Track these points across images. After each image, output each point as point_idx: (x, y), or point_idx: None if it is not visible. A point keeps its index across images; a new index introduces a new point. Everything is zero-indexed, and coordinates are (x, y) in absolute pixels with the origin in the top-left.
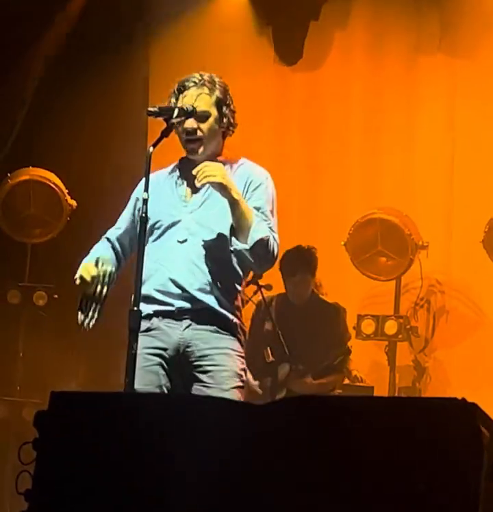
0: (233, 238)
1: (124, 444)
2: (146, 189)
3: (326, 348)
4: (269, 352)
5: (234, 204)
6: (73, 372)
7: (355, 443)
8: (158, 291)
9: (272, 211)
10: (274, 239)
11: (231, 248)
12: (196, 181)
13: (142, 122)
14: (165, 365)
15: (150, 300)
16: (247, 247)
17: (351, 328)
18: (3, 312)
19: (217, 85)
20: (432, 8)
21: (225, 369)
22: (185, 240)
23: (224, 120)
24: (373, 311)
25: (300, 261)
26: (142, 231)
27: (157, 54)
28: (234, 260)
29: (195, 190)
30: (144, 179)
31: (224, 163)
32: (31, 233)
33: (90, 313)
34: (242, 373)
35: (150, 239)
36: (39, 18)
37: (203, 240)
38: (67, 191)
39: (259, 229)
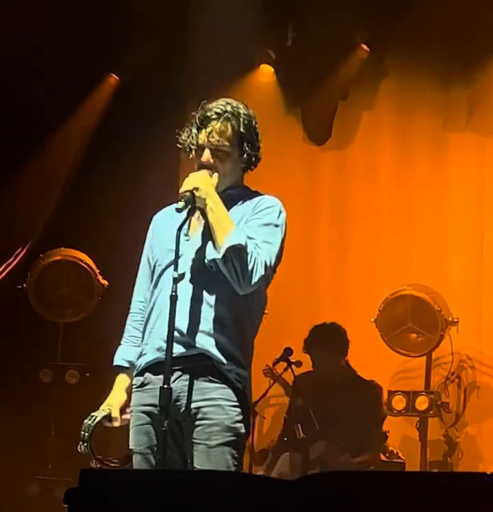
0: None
1: None
2: (176, 269)
3: (362, 425)
4: (300, 429)
5: (208, 211)
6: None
7: None
8: (161, 339)
9: (270, 233)
10: (259, 255)
11: (205, 261)
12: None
13: (171, 199)
14: (155, 423)
15: (147, 350)
16: (219, 256)
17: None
18: (36, 390)
19: (241, 118)
20: (459, 86)
21: (213, 423)
22: (183, 276)
23: (245, 156)
24: (404, 386)
25: (332, 336)
26: (172, 310)
27: None
28: (246, 300)
29: (199, 221)
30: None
31: (240, 191)
32: (64, 313)
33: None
34: (237, 425)
35: (152, 284)
36: (72, 99)
37: (202, 275)
38: (98, 271)
39: (234, 237)
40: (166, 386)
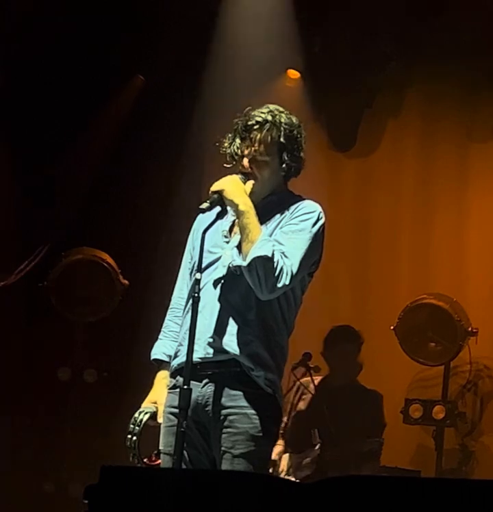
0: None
1: None
2: (199, 270)
3: (362, 433)
4: (316, 434)
5: (238, 214)
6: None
7: None
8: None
9: (301, 241)
10: (285, 265)
11: (230, 265)
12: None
13: (195, 200)
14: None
15: (181, 352)
16: (244, 264)
17: (399, 413)
18: (53, 388)
19: (282, 128)
20: (485, 96)
21: (239, 431)
22: (220, 279)
23: (284, 166)
24: (421, 394)
25: (346, 334)
26: (194, 311)
27: (212, 135)
28: (279, 304)
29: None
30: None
31: (282, 196)
32: (84, 312)
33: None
34: (262, 434)
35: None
36: (96, 101)
37: (236, 278)
38: (120, 270)
39: (261, 247)
40: (185, 387)
